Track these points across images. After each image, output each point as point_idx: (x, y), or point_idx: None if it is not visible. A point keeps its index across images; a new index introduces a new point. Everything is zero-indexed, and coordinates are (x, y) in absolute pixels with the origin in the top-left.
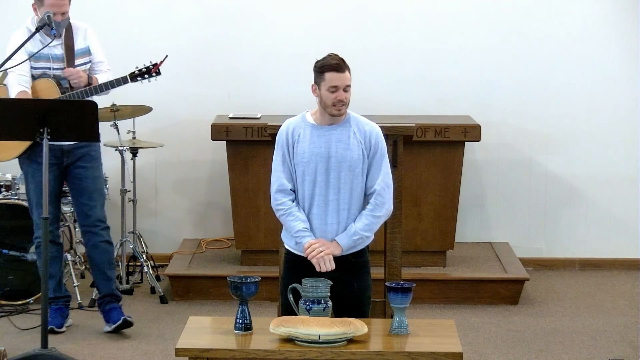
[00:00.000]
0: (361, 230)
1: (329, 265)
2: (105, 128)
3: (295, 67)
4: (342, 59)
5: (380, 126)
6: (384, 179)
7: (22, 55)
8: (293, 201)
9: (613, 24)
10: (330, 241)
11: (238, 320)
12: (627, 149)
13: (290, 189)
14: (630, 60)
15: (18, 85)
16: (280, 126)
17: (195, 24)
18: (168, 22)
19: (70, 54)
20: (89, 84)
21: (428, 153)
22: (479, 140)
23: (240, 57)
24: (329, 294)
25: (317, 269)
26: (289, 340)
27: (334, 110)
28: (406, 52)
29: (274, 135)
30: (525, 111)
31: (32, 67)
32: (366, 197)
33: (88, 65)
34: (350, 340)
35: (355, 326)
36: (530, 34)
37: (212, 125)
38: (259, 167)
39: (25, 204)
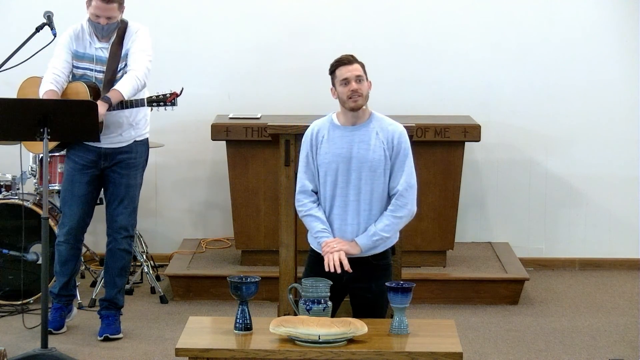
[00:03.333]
0: (381, 231)
1: (337, 264)
2: None
3: (295, 67)
4: (351, 55)
5: None
6: (406, 180)
7: (65, 53)
8: (314, 202)
9: (612, 24)
10: (350, 241)
11: (238, 320)
12: (627, 149)
13: (312, 190)
14: (629, 61)
15: (49, 84)
16: (280, 126)
17: (195, 23)
18: (168, 22)
19: (113, 60)
20: (110, 105)
21: (428, 153)
22: (479, 140)
23: (241, 57)
24: (329, 294)
25: (326, 269)
26: (289, 340)
27: (350, 103)
28: (406, 52)
29: (274, 135)
30: (525, 111)
31: (74, 67)
32: (389, 197)
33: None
34: (350, 340)
35: (355, 326)
36: (530, 35)
37: (212, 125)
38: (259, 167)
39: (25, 204)
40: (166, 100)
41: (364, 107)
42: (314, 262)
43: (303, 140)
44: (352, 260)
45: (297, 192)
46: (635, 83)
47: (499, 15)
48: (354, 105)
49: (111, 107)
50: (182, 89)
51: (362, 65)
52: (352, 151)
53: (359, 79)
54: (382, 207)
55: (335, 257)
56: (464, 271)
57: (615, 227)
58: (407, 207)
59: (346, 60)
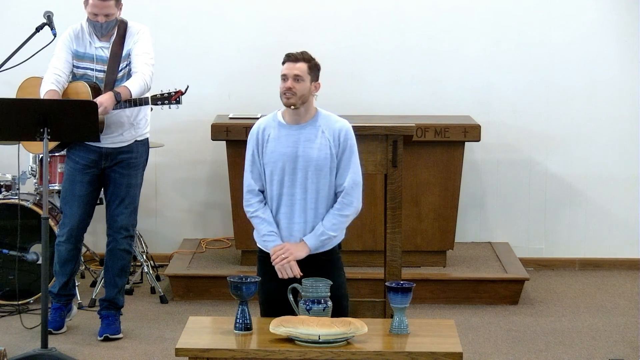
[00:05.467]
0: (329, 230)
1: (290, 273)
2: None
3: None
4: (303, 52)
5: (380, 126)
6: (352, 177)
7: (65, 53)
8: (261, 202)
9: (612, 24)
10: (298, 241)
11: (238, 320)
12: (627, 149)
13: (259, 190)
14: (629, 60)
15: (50, 84)
16: None
17: (195, 23)
18: (168, 22)
19: (114, 59)
20: (117, 100)
21: (428, 153)
22: (479, 140)
23: (241, 57)
24: (329, 293)
25: (280, 276)
26: (289, 340)
27: (283, 99)
28: (406, 52)
29: None
30: (525, 111)
31: (75, 67)
32: (336, 194)
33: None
34: (350, 340)
35: (355, 326)
36: (530, 34)
37: (212, 125)
38: None
39: (25, 203)
40: (171, 98)
41: (308, 106)
42: (265, 263)
43: (249, 138)
44: (301, 259)
45: (244, 192)
46: (635, 83)
47: (498, 15)
48: (285, 102)
49: (118, 103)
50: (187, 87)
51: (312, 66)
52: (298, 150)
53: (296, 78)
54: (328, 205)
55: (288, 272)
56: (464, 271)
57: (615, 227)
58: (353, 204)
59: (292, 57)
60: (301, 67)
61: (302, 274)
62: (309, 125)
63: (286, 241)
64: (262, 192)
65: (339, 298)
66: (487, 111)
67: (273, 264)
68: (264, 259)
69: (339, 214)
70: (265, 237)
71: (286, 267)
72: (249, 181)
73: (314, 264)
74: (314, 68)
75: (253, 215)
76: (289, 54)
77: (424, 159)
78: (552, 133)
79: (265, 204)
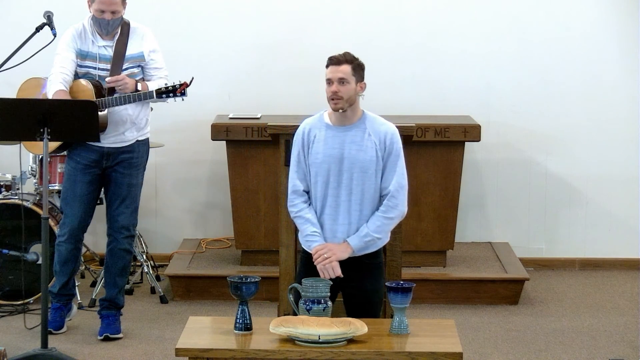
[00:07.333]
0: (373, 232)
1: (332, 273)
2: None
3: (296, 67)
4: (346, 53)
5: None
6: (398, 180)
7: (70, 52)
8: (305, 202)
9: (613, 24)
10: (342, 242)
11: (238, 320)
12: (627, 149)
13: (303, 190)
14: (629, 61)
15: (58, 84)
16: (280, 126)
17: (196, 23)
18: (169, 22)
19: (118, 58)
20: (136, 90)
21: (428, 153)
22: (479, 140)
23: (241, 57)
24: (329, 294)
25: (321, 276)
26: (289, 340)
27: (331, 104)
28: (406, 52)
29: (274, 135)
30: (525, 111)
31: (78, 65)
32: (381, 197)
33: (137, 70)
34: (350, 340)
35: (355, 326)
36: (530, 34)
37: (212, 125)
38: (259, 167)
39: (25, 204)
40: (176, 91)
41: (355, 108)
42: (307, 263)
43: (294, 139)
44: (344, 260)
45: (289, 192)
46: (636, 83)
47: (498, 15)
48: (333, 107)
49: (135, 90)
50: (192, 78)
51: (356, 67)
52: (344, 152)
53: (341, 81)
54: (373, 207)
55: (330, 272)
56: (464, 271)
57: (615, 227)
58: (398, 207)
59: (335, 60)
60: (345, 70)
61: (342, 275)
62: (355, 127)
63: (329, 242)
64: (307, 192)
65: (375, 304)
66: (487, 111)
67: (315, 263)
68: (306, 259)
69: (384, 217)
70: (307, 237)
71: (328, 268)
72: (294, 182)
73: (356, 267)
74: (358, 68)
75: (297, 216)
76: (331, 57)
77: (424, 159)
78: (552, 133)
79: (309, 205)
